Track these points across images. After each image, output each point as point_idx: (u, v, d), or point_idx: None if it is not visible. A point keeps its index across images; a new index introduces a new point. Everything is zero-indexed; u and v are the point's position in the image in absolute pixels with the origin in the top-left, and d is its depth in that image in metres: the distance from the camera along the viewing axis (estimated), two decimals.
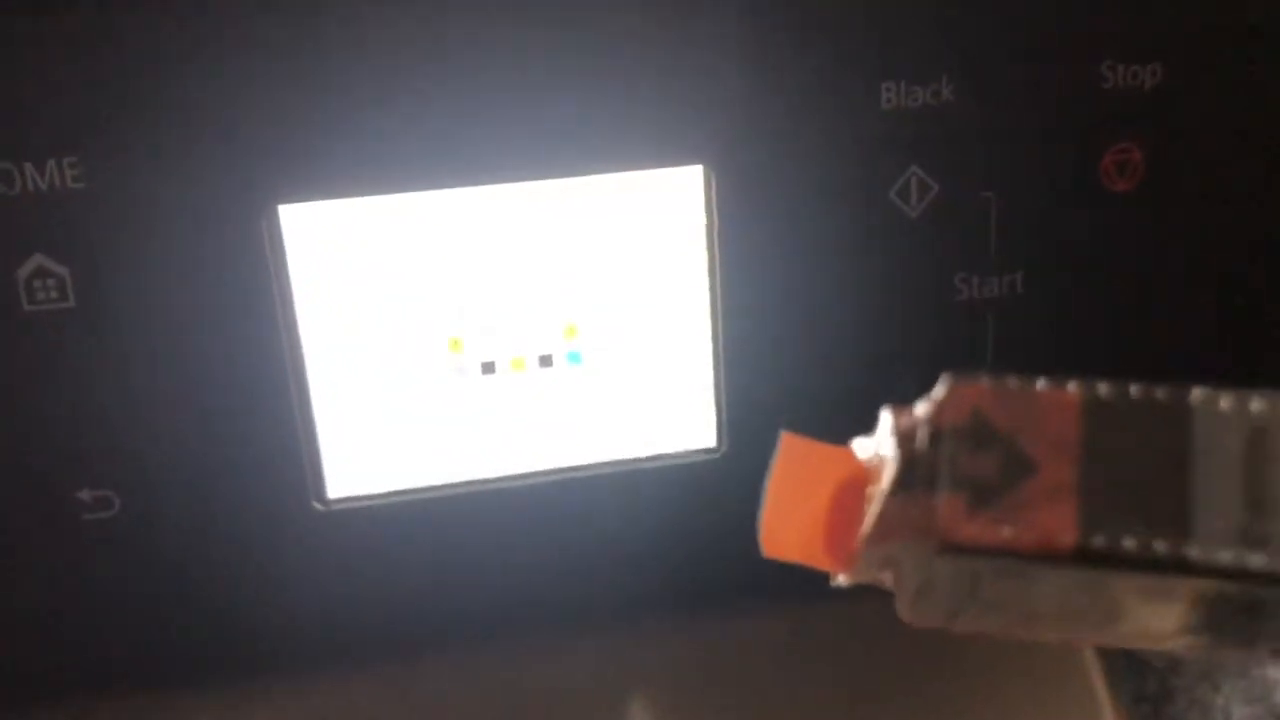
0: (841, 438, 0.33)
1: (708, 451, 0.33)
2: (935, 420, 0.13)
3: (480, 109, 0.29)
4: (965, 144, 0.30)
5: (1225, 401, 0.12)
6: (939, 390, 0.13)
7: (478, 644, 0.34)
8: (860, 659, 0.41)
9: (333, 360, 0.31)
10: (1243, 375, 0.33)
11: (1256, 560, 0.11)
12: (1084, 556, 0.12)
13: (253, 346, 0.30)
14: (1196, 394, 0.12)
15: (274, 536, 0.31)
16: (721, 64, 0.29)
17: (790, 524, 0.14)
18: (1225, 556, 0.11)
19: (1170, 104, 0.31)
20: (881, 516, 0.13)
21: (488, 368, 0.31)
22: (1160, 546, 0.11)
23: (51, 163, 0.27)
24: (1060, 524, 0.12)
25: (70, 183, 0.28)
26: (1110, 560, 0.12)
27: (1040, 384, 0.12)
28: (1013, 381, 0.12)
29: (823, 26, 0.29)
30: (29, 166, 0.27)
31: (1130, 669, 0.44)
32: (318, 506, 0.31)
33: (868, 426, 0.33)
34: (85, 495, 0.30)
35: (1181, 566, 0.11)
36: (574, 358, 0.32)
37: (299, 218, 0.29)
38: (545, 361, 0.31)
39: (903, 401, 0.13)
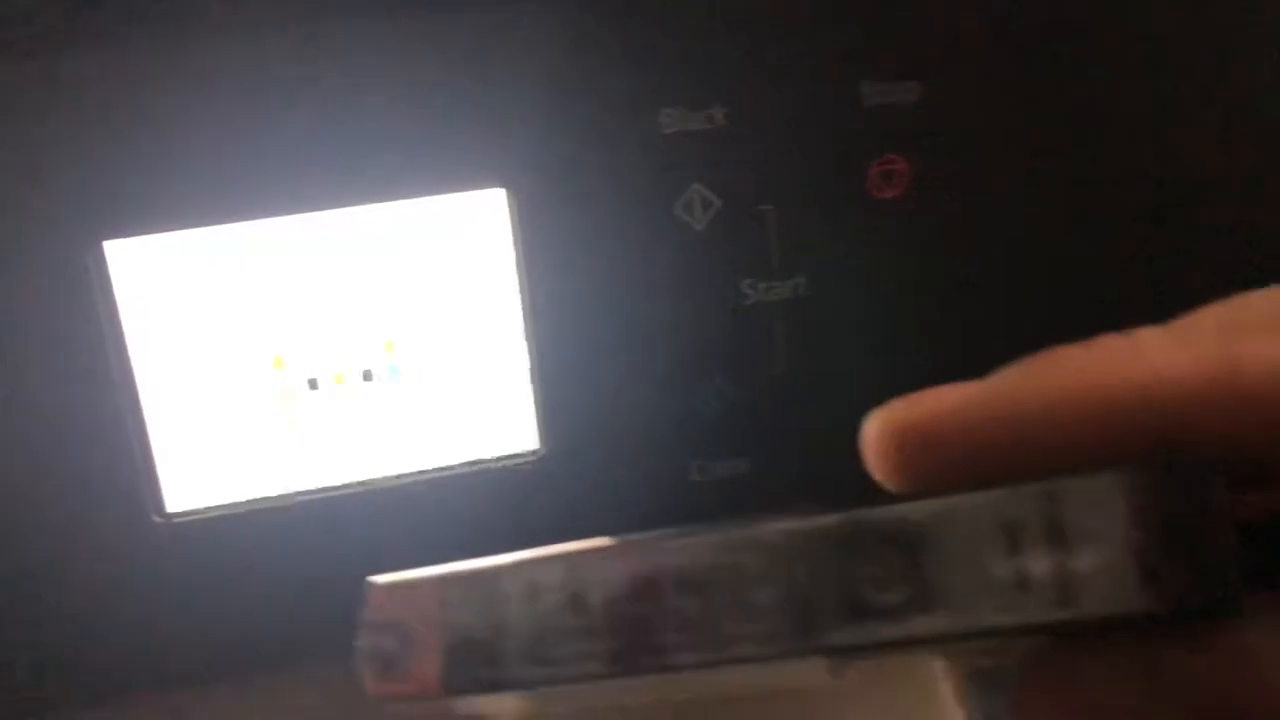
0: (652, 434, 0.36)
1: (531, 454, 0.35)
2: (365, 619, 0.18)
3: (291, 141, 0.31)
4: (741, 162, 0.33)
5: (523, 563, 0.17)
6: (368, 592, 0.18)
7: (321, 652, 0.36)
8: None
9: (165, 382, 0.33)
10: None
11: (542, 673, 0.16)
12: (450, 693, 0.17)
13: (85, 373, 0.32)
14: (501, 562, 0.17)
15: (117, 551, 0.33)
16: (518, 95, 0.32)
17: None
18: (525, 675, 0.16)
19: (929, 118, 0.34)
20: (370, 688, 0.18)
21: (313, 384, 0.34)
22: (488, 675, 0.16)
23: None
24: (430, 676, 0.17)
25: None
26: (473, 689, 0.17)
27: (422, 573, 0.17)
28: (408, 575, 0.17)
29: (605, 59, 0.32)
30: None
31: (981, 689, 0.47)
32: (157, 519, 0.33)
33: (675, 422, 0.36)
34: None
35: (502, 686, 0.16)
36: (394, 371, 0.34)
37: (124, 252, 0.31)
38: (367, 376, 0.34)
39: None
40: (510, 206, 0.33)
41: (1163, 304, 0.37)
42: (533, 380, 0.35)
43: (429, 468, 0.35)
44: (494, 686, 0.17)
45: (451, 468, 0.35)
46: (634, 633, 0.16)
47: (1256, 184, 0.37)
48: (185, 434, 0.33)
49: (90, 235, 0.31)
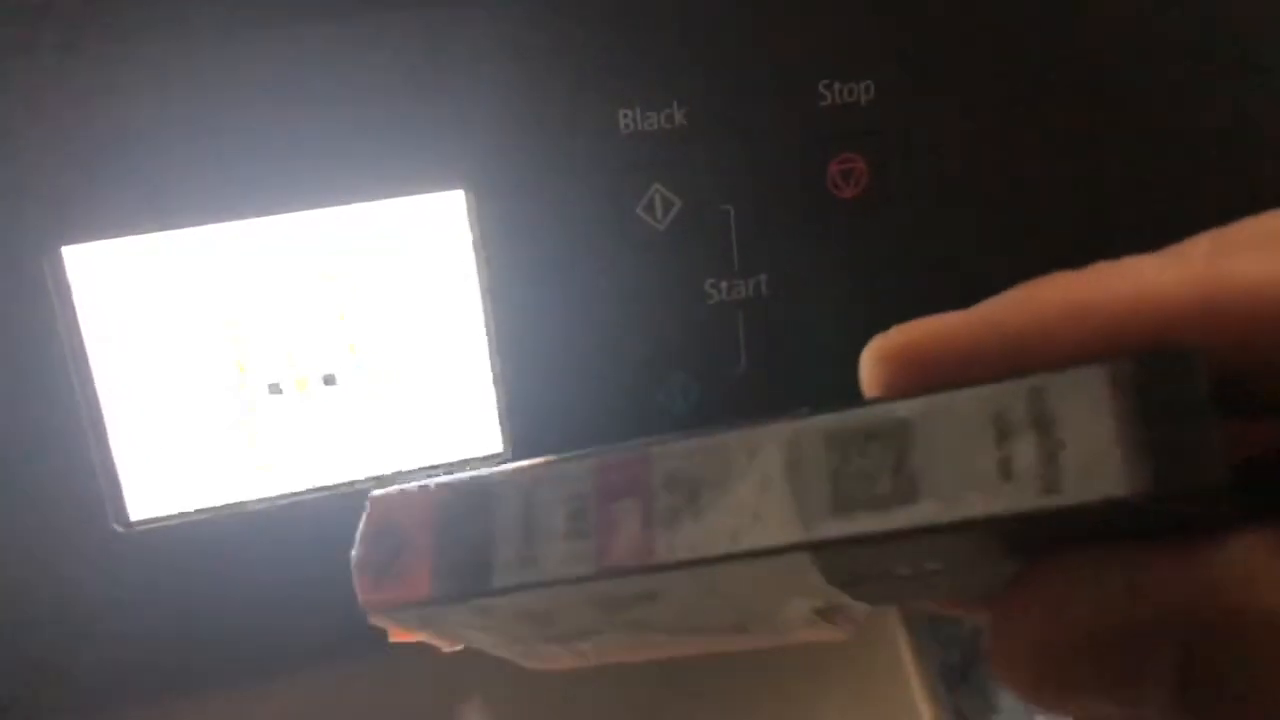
0: (617, 432, 0.36)
1: (495, 457, 0.35)
2: (361, 529, 0.18)
3: (249, 145, 0.31)
4: (701, 162, 0.33)
5: (510, 472, 0.17)
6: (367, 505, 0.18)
7: (289, 659, 0.36)
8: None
9: (125, 389, 0.33)
10: None
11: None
12: (440, 599, 0.17)
13: (43, 379, 0.31)
14: (495, 470, 0.17)
15: (77, 560, 0.33)
16: (476, 97, 0.32)
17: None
18: (513, 579, 0.17)
19: (886, 116, 0.34)
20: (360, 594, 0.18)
21: (274, 388, 0.33)
22: (478, 581, 0.17)
23: None
24: (421, 582, 0.17)
25: None
26: (462, 595, 0.17)
27: (419, 485, 0.18)
28: (405, 487, 0.18)
29: (564, 59, 0.32)
30: None
31: (936, 640, 0.47)
32: (118, 528, 0.33)
33: (639, 422, 0.36)
34: None
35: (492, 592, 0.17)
36: (356, 375, 0.34)
37: (82, 257, 0.31)
38: (329, 380, 0.34)
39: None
40: (470, 208, 0.33)
41: None
42: (495, 383, 0.35)
43: (393, 471, 0.35)
44: (482, 592, 0.17)
45: (415, 471, 0.35)
46: (622, 531, 0.16)
47: (1222, 187, 0.37)
48: (147, 441, 0.33)
49: (47, 240, 0.31)
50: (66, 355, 0.31)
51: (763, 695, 0.44)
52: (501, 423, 0.35)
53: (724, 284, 0.35)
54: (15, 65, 0.29)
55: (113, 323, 0.32)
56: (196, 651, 0.35)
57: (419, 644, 0.20)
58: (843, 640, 0.19)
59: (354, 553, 0.18)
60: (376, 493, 0.18)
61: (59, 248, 0.31)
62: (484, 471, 0.17)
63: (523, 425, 0.35)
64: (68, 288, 0.31)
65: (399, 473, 0.35)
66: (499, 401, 0.35)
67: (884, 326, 0.36)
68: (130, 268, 0.32)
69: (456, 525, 0.17)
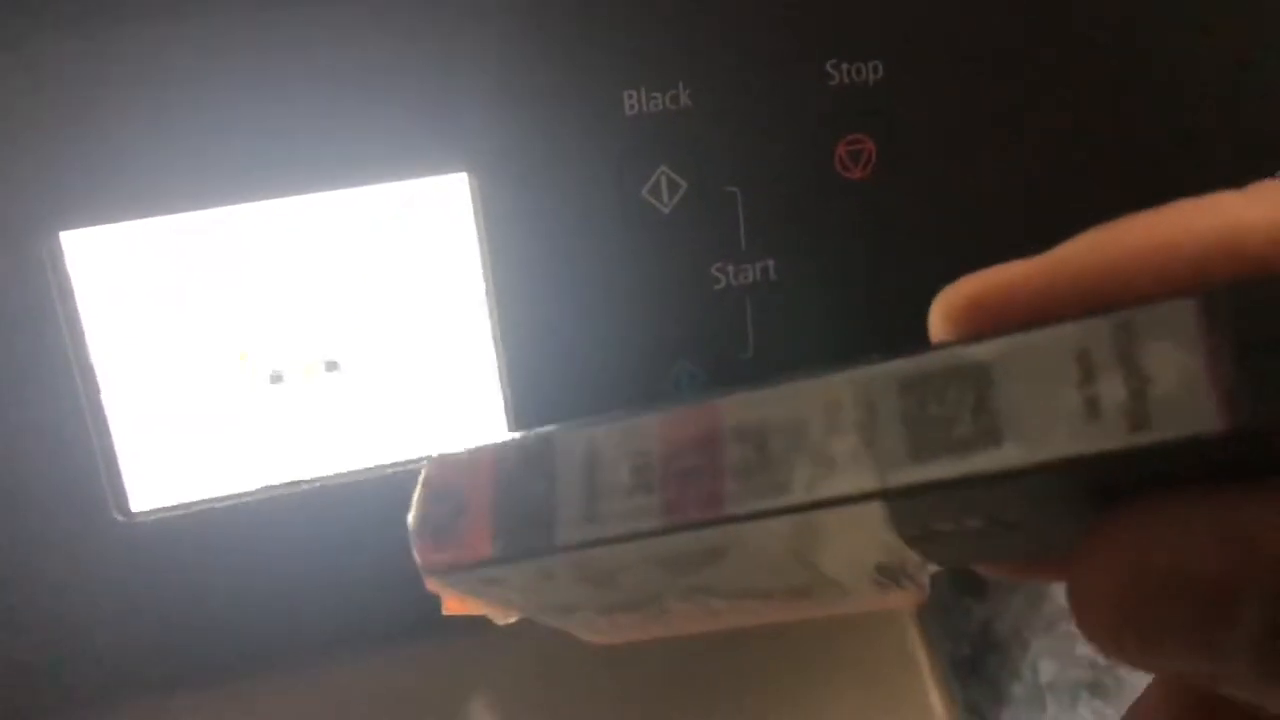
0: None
1: None
2: (420, 491, 0.18)
3: (250, 127, 0.31)
4: (707, 143, 0.33)
5: (574, 430, 0.17)
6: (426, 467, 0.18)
7: (293, 651, 0.36)
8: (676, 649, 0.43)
9: (126, 376, 0.32)
10: None
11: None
12: (500, 558, 0.17)
13: (42, 368, 0.31)
14: (556, 428, 0.17)
15: (78, 551, 0.33)
16: (479, 79, 0.32)
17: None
18: (576, 536, 0.16)
19: (894, 96, 0.34)
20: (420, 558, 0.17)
21: (276, 376, 0.33)
22: (539, 538, 0.16)
23: None
24: (481, 541, 0.17)
25: None
26: (522, 553, 0.17)
27: (476, 447, 0.17)
28: (465, 447, 0.18)
29: (567, 40, 0.32)
30: None
31: (946, 633, 0.47)
32: (119, 519, 0.33)
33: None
34: None
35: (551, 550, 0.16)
36: (360, 362, 0.33)
37: (81, 242, 0.31)
38: (331, 367, 0.33)
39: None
40: (473, 191, 0.32)
41: None
42: (500, 368, 0.34)
43: (397, 460, 0.34)
44: (545, 549, 0.16)
45: (420, 460, 0.34)
46: (690, 484, 0.15)
47: (1244, 169, 0.37)
48: (147, 430, 0.33)
49: (46, 226, 0.30)
50: (66, 343, 0.31)
51: (773, 689, 0.43)
52: (505, 409, 0.35)
53: (731, 268, 0.34)
54: (13, 49, 0.29)
55: (112, 309, 0.32)
56: (199, 643, 0.34)
57: (443, 622, 0.20)
58: (910, 605, 0.19)
59: (410, 516, 0.17)
60: (435, 454, 0.18)
61: (57, 233, 0.31)
62: (544, 429, 0.17)
63: (527, 411, 0.34)
64: (66, 274, 0.31)
65: (401, 461, 0.34)
66: (503, 387, 0.34)
67: (894, 310, 0.35)
68: (130, 253, 0.31)
69: (517, 484, 0.17)
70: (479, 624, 0.38)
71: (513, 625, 0.21)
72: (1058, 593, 0.48)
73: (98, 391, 0.32)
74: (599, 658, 0.43)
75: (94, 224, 0.31)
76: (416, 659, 0.40)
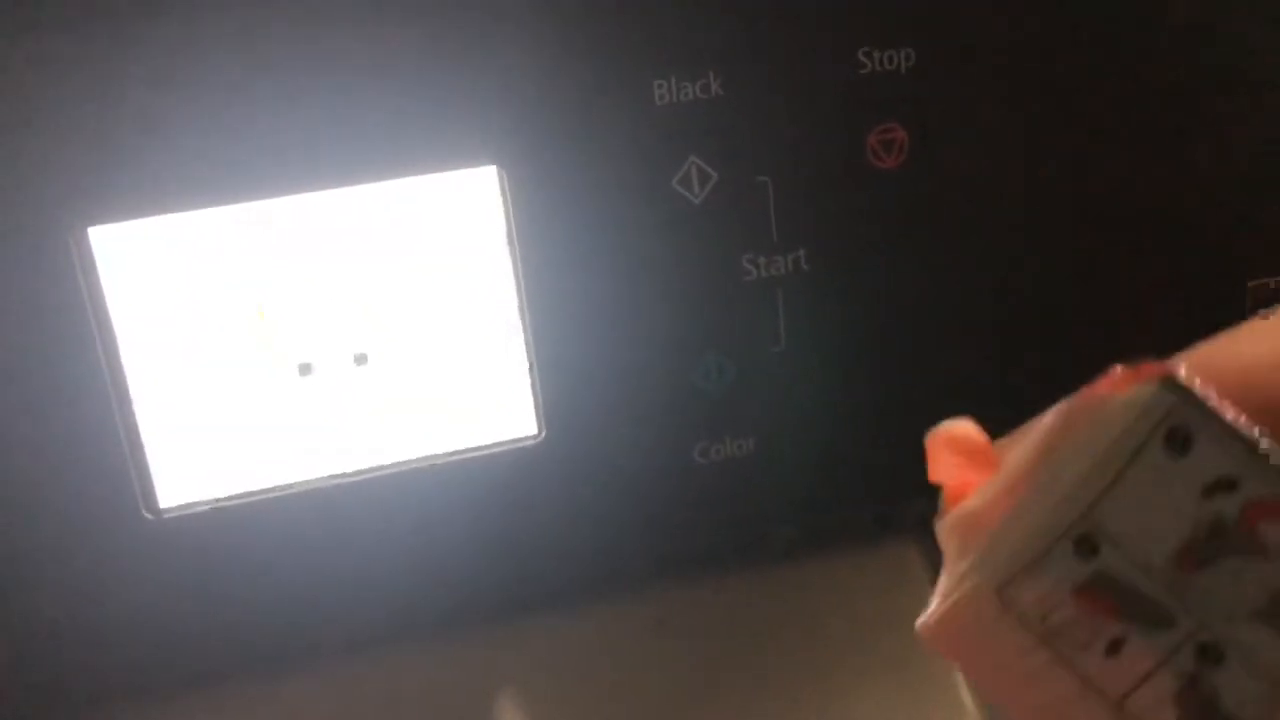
0: (653, 415, 0.35)
1: (531, 438, 0.35)
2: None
3: (278, 122, 0.31)
4: (737, 133, 0.32)
5: None
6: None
7: (323, 647, 0.36)
8: (700, 635, 0.43)
9: (154, 371, 0.32)
10: (1016, 334, 0.35)
11: None
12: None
13: (71, 365, 0.31)
14: None
15: (107, 550, 0.32)
16: (508, 71, 0.31)
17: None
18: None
19: (926, 84, 0.33)
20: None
21: (305, 369, 0.33)
22: None
23: None
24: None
25: None
26: None
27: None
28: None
29: (597, 30, 0.31)
30: None
31: None
32: (148, 516, 0.32)
33: (676, 402, 0.35)
34: None
35: None
36: (388, 355, 0.33)
37: (109, 237, 0.31)
38: (360, 360, 0.33)
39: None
40: (502, 184, 0.32)
41: (1172, 267, 0.36)
42: (529, 362, 0.34)
43: (427, 455, 0.34)
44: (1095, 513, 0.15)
45: (450, 454, 0.34)
46: None
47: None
48: (176, 426, 0.32)
49: (74, 221, 0.30)
50: (94, 339, 0.31)
51: (800, 675, 0.43)
52: (535, 403, 0.34)
53: (762, 259, 0.34)
54: (42, 43, 0.29)
55: (140, 305, 0.31)
56: (229, 639, 0.34)
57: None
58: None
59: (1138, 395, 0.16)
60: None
61: (85, 228, 0.30)
62: None
63: (556, 405, 0.34)
64: (94, 269, 0.31)
65: (431, 455, 0.34)
66: (532, 381, 0.34)
67: (923, 300, 0.35)
68: (157, 248, 0.31)
69: None
70: (505, 615, 0.38)
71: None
72: None
73: (126, 388, 0.32)
74: (624, 645, 0.42)
75: (122, 219, 0.31)
76: (444, 654, 0.40)
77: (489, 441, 0.34)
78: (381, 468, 0.34)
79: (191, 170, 0.30)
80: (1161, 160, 0.36)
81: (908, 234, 0.34)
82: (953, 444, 0.18)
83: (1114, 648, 0.16)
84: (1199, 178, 0.36)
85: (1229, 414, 0.15)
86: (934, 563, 0.17)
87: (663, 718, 0.41)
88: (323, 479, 0.33)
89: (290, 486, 0.33)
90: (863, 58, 0.33)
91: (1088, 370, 0.17)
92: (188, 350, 0.32)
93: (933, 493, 0.18)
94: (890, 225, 0.34)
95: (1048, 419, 0.16)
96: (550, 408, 0.34)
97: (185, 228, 0.31)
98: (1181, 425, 0.15)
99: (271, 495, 0.33)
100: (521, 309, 0.33)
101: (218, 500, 0.33)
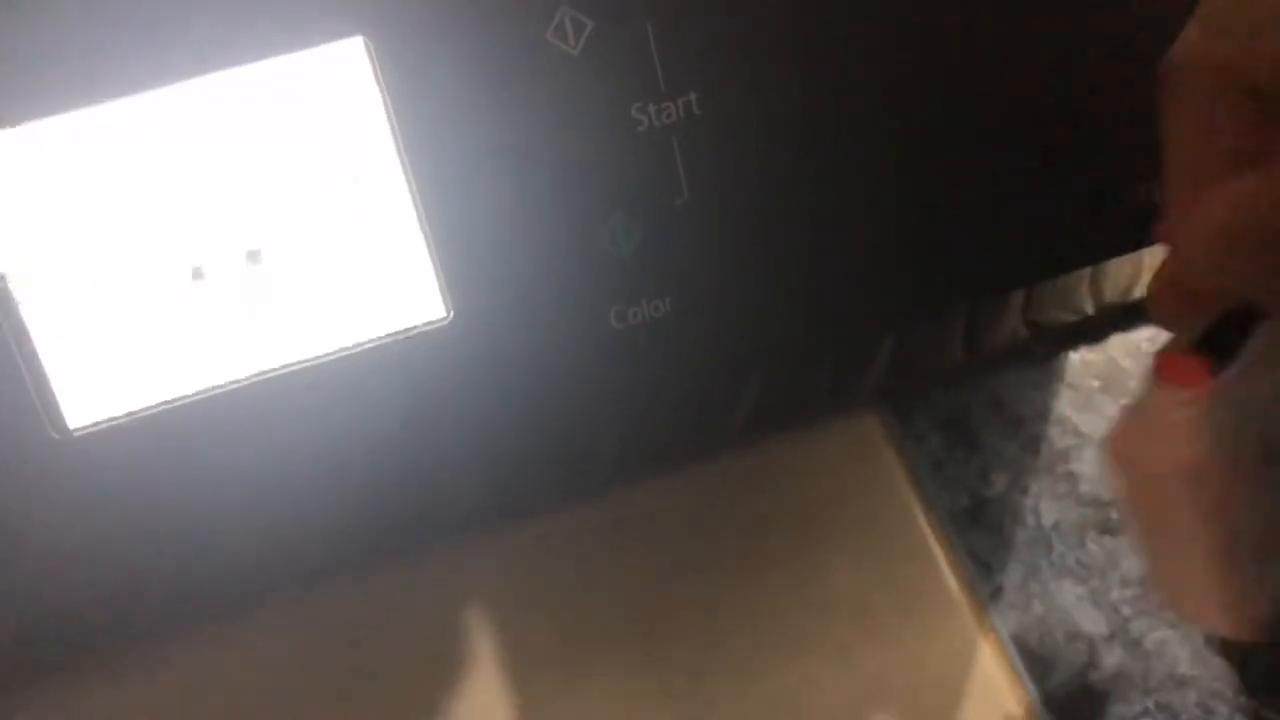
0: (563, 283, 0.34)
1: (440, 320, 0.34)
2: None
3: (131, 13, 0.30)
4: None
5: None
6: None
7: (245, 558, 0.35)
8: (661, 528, 0.42)
9: (44, 288, 0.31)
10: (924, 159, 0.34)
11: None
12: None
13: None
14: None
15: (17, 474, 0.32)
16: None
17: None
18: None
19: None
20: None
21: (197, 273, 0.32)
22: None
23: None
24: None
25: None
26: None
27: None
28: None
29: None
30: None
31: (942, 486, 0.46)
32: (56, 437, 0.32)
33: (584, 268, 0.34)
34: None
35: None
36: (281, 250, 0.32)
37: None
38: (254, 257, 0.32)
39: None
40: (370, 54, 0.31)
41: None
42: (428, 243, 0.33)
43: (335, 348, 0.33)
44: None
45: (358, 346, 0.33)
46: None
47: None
48: (74, 342, 0.32)
49: None
50: None
51: (772, 557, 0.43)
52: (440, 284, 0.33)
53: (651, 108, 0.33)
54: None
55: (16, 219, 0.31)
56: (152, 559, 0.33)
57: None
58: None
59: None
60: None
61: None
62: None
63: (462, 284, 0.33)
64: None
65: (341, 349, 0.33)
66: (434, 262, 0.33)
67: (831, 131, 0.34)
68: (27, 157, 0.30)
69: None
70: (433, 509, 0.37)
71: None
72: (1055, 436, 0.47)
73: (15, 306, 0.31)
74: (596, 543, 0.42)
75: None
76: (394, 577, 0.39)
77: (397, 328, 0.34)
78: (290, 365, 0.33)
79: (45, 75, 0.30)
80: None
81: (804, 63, 0.33)
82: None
83: None
84: None
85: None
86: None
87: (644, 596, 0.41)
88: (232, 383, 0.33)
89: (200, 393, 0.33)
90: None
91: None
92: (75, 266, 0.31)
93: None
94: (783, 60, 0.33)
95: None
96: (456, 287, 0.33)
97: (52, 134, 0.30)
98: None
99: (179, 404, 0.33)
100: (410, 185, 0.32)
101: (126, 414, 0.32)
